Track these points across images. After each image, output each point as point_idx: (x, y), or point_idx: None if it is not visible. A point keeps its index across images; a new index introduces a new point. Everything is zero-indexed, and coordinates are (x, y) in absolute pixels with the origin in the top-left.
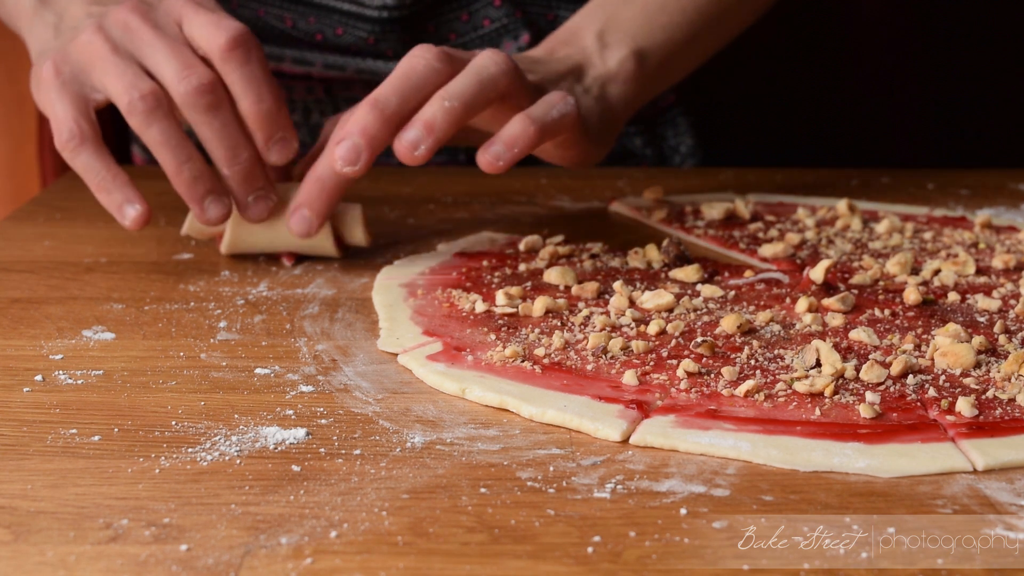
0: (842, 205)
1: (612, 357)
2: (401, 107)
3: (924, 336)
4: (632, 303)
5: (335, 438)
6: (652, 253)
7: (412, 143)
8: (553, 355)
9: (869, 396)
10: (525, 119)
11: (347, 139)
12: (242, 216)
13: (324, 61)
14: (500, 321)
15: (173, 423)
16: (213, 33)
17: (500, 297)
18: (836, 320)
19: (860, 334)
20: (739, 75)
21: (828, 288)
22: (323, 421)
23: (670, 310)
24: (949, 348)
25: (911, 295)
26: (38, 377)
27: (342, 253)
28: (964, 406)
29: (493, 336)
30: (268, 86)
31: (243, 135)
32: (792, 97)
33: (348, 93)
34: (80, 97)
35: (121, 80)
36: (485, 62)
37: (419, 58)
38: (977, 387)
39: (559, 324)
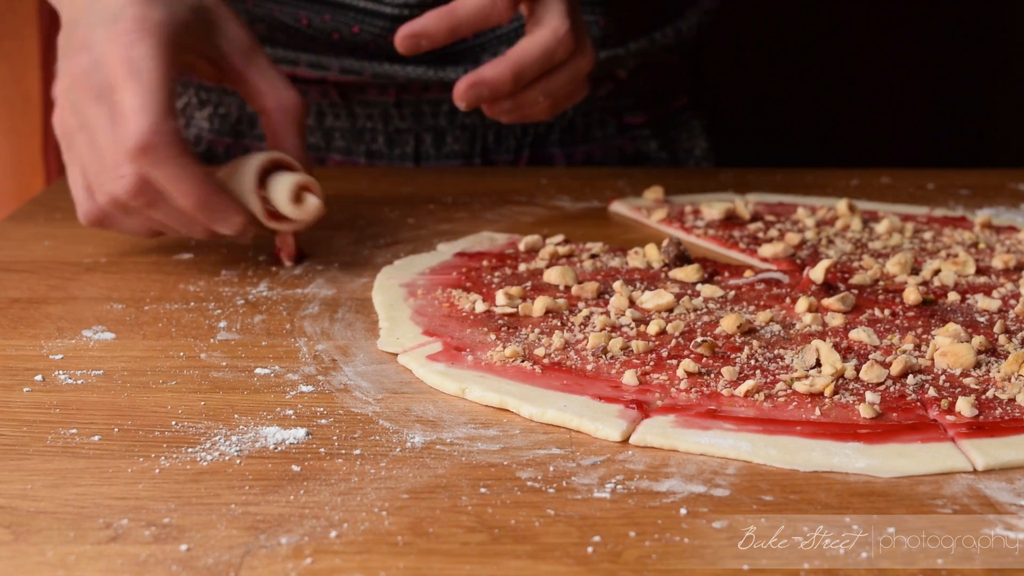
0: (842, 205)
1: (612, 357)
2: (529, 80)
3: (924, 336)
4: (632, 303)
5: (335, 438)
6: (652, 253)
7: (503, 112)
8: (553, 355)
9: (869, 396)
10: (551, 109)
11: (479, 87)
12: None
13: (340, 65)
14: (500, 321)
15: (173, 423)
16: (119, 138)
17: (500, 297)
18: (836, 320)
19: (860, 334)
20: (748, 76)
21: (828, 288)
22: (323, 421)
23: (670, 310)
24: (949, 348)
25: (911, 295)
26: (38, 377)
27: (290, 254)
28: (964, 406)
29: (493, 336)
30: (191, 180)
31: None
32: (796, 98)
33: (363, 96)
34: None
35: (81, 187)
36: (582, 67)
37: (563, 46)
38: (977, 387)
39: (559, 324)
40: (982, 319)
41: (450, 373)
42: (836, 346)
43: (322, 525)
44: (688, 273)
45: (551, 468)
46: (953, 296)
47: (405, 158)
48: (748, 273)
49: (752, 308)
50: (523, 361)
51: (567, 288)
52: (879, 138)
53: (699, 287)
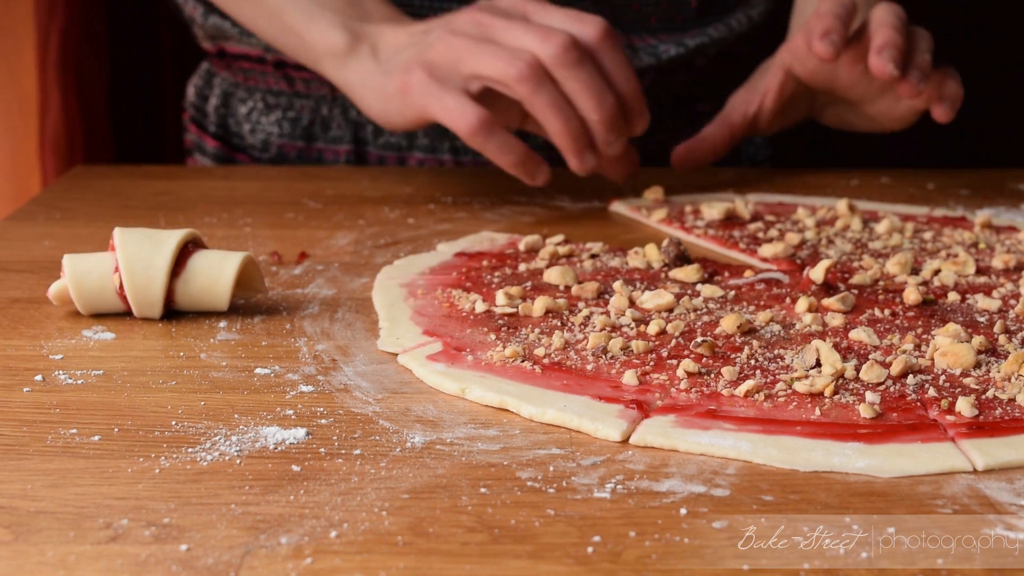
0: (842, 205)
1: (612, 357)
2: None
3: (924, 336)
4: (632, 303)
5: (335, 438)
6: (652, 253)
7: (916, 80)
8: (553, 355)
9: (869, 396)
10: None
11: (889, 50)
12: (603, 150)
13: None
14: (500, 321)
15: (173, 423)
16: (580, 25)
17: (500, 297)
18: (836, 320)
19: (860, 334)
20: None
21: (828, 288)
22: (323, 421)
23: (670, 310)
24: (949, 348)
25: (911, 295)
26: (38, 377)
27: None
28: (964, 406)
29: (493, 336)
30: (632, 69)
31: (607, 84)
32: None
33: None
34: (463, 90)
35: (498, 59)
36: (928, 36)
37: None
38: (977, 387)
39: (559, 324)
40: (982, 319)
41: (450, 373)
42: (836, 346)
43: (322, 525)
44: (688, 273)
45: (551, 468)
46: (953, 296)
47: (401, 150)
48: (748, 273)
49: (752, 308)
50: (523, 361)
51: (567, 288)
52: (879, 138)
53: (699, 287)
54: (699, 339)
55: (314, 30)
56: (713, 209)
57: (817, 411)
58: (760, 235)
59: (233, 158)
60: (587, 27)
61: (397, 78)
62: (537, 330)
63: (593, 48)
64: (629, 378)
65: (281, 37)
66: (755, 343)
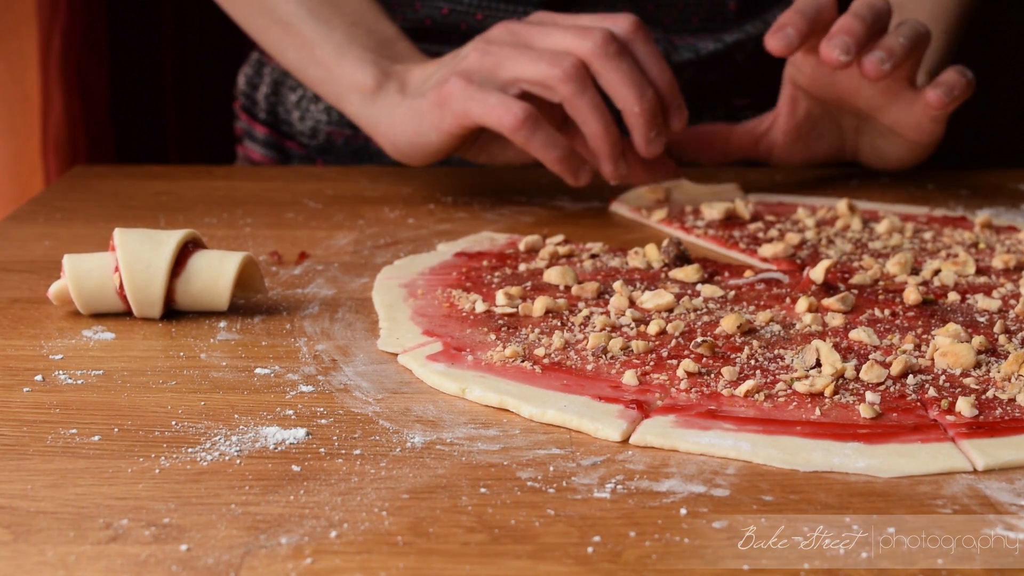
0: (842, 205)
1: (612, 357)
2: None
3: (924, 336)
4: (632, 303)
5: (335, 438)
6: (652, 253)
7: (879, 60)
8: (553, 355)
9: (869, 396)
10: (964, 73)
11: (839, 36)
12: (644, 152)
13: None
14: (500, 321)
15: (173, 423)
16: (613, 21)
17: (500, 297)
18: (836, 320)
19: (860, 334)
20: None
21: (828, 288)
22: (323, 421)
23: (670, 310)
24: (949, 348)
25: (911, 295)
26: (38, 377)
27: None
28: (964, 406)
29: (493, 336)
30: (666, 62)
31: (646, 77)
32: None
33: None
34: (503, 92)
35: (540, 61)
36: (918, 26)
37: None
38: (977, 387)
39: (559, 324)
40: (982, 319)
41: (450, 373)
42: (836, 346)
43: (322, 525)
44: (688, 273)
45: (551, 468)
46: (953, 296)
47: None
48: (748, 273)
49: (752, 308)
50: (523, 361)
51: (567, 288)
52: None
53: (699, 287)
54: (699, 339)
55: (344, 65)
56: (713, 209)
57: (817, 411)
58: (760, 235)
59: (283, 145)
60: (619, 22)
61: (432, 94)
62: (537, 330)
63: (627, 40)
64: (629, 378)
65: (308, 69)
66: (755, 343)
